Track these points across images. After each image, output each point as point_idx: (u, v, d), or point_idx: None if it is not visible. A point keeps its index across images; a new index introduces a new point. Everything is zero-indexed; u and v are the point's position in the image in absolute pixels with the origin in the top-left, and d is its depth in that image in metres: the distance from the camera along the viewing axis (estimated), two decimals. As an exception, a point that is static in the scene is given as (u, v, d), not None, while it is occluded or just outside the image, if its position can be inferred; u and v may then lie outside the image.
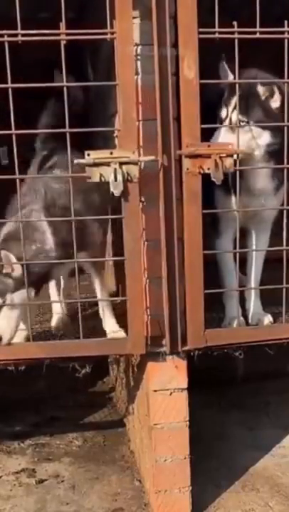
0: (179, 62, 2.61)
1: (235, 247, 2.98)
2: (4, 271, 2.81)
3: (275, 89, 2.95)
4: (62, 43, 2.53)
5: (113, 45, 2.59)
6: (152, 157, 2.66)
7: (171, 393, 2.92)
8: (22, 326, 2.95)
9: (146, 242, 2.81)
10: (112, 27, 2.55)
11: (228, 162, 2.69)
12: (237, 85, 2.80)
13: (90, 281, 3.27)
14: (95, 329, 3.11)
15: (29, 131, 2.63)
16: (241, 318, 3.15)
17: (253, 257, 3.28)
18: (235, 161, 2.72)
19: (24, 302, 2.84)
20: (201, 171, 2.68)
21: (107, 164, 2.61)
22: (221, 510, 3.11)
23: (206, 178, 2.70)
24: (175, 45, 2.61)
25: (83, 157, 2.61)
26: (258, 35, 2.65)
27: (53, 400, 4.22)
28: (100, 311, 3.20)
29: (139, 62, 2.68)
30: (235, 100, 2.86)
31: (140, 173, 2.65)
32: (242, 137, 2.83)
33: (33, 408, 4.14)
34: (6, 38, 2.51)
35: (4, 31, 2.51)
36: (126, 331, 2.91)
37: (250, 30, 2.65)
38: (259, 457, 3.53)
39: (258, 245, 3.29)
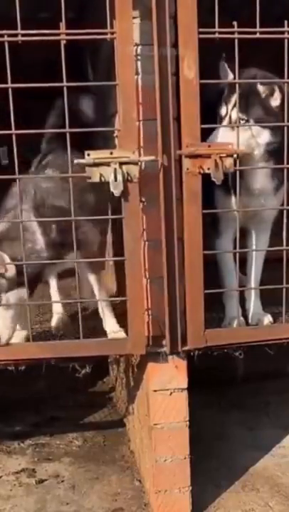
0: (179, 62, 2.61)
1: (235, 247, 2.98)
2: None
3: (276, 87, 2.95)
4: (62, 43, 2.53)
5: (113, 45, 2.59)
6: (152, 157, 2.66)
7: (171, 393, 2.92)
8: (17, 326, 2.95)
9: (146, 242, 2.81)
10: (112, 27, 2.55)
11: (228, 162, 2.69)
12: (237, 85, 2.80)
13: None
14: (95, 329, 3.11)
15: (29, 131, 2.63)
16: (241, 318, 3.15)
17: (253, 257, 3.28)
18: (235, 160, 2.72)
19: (19, 302, 2.83)
20: (201, 171, 2.68)
21: (107, 164, 2.60)
22: (221, 510, 3.11)
23: (206, 178, 2.70)
24: (175, 45, 2.61)
25: (81, 157, 2.60)
26: (258, 35, 2.65)
27: (53, 400, 4.21)
28: (100, 312, 3.20)
29: (139, 62, 2.68)
30: (235, 98, 2.86)
31: (140, 173, 2.65)
32: (241, 135, 2.82)
33: (33, 408, 4.13)
34: (6, 38, 2.50)
35: (4, 31, 2.50)
36: (126, 331, 2.92)
37: (250, 30, 2.64)
38: (259, 457, 3.53)
39: (258, 245, 3.29)
